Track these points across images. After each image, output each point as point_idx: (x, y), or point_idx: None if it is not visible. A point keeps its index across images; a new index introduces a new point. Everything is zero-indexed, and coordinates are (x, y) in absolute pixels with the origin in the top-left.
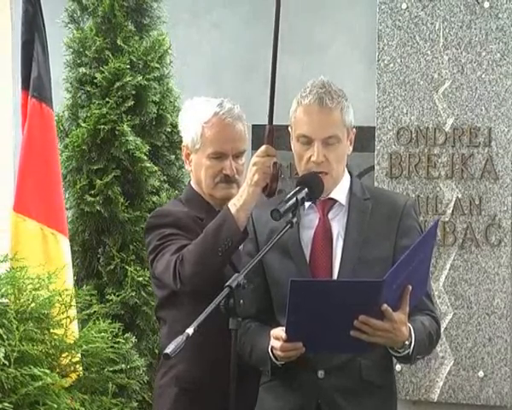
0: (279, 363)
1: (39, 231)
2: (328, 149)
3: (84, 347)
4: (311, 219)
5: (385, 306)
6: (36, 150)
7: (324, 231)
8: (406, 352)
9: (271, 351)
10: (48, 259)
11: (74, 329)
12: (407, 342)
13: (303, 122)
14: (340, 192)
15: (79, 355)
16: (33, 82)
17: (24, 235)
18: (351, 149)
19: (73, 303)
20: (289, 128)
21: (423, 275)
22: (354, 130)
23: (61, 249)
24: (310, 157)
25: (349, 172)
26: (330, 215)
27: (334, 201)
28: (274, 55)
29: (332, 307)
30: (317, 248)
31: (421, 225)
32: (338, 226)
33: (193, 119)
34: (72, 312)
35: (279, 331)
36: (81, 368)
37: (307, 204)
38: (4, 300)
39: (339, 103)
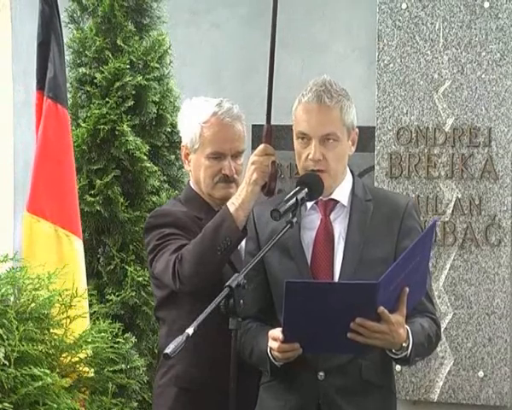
0: (278, 363)
1: (53, 232)
2: (327, 147)
3: (84, 346)
4: (312, 219)
5: (381, 308)
6: (51, 151)
7: (326, 233)
8: (404, 354)
9: (270, 351)
10: (61, 260)
11: (86, 324)
12: (405, 345)
13: (302, 120)
14: (342, 193)
15: (88, 352)
16: (49, 83)
17: (37, 236)
18: (353, 149)
19: (85, 300)
20: (293, 127)
21: (422, 276)
22: (357, 130)
23: (75, 251)
24: (308, 155)
25: (351, 172)
26: (332, 216)
27: (335, 202)
28: (271, 55)
29: (328, 308)
30: (318, 250)
31: (422, 226)
32: (339, 227)
33: (192, 119)
34: (83, 310)
35: (276, 332)
36: (88, 369)
37: (309, 205)
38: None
39: (338, 102)
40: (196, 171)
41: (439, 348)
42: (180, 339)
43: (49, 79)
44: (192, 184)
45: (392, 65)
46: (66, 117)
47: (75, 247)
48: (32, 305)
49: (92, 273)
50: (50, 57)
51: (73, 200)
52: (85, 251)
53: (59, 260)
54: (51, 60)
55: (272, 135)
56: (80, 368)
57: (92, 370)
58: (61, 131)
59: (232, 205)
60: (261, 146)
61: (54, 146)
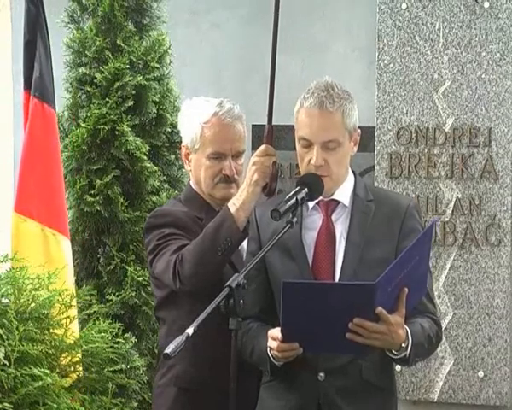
0: (278, 363)
1: (40, 231)
2: (328, 152)
3: (84, 347)
4: (314, 220)
5: (379, 308)
6: (37, 151)
7: (327, 233)
8: (403, 354)
9: (270, 351)
10: (48, 260)
11: (75, 329)
12: (404, 345)
13: (304, 124)
14: (344, 193)
15: (80, 355)
16: (35, 82)
17: (25, 235)
18: (355, 149)
19: (74, 303)
20: (294, 128)
21: (422, 277)
22: (359, 130)
23: (62, 250)
24: (310, 159)
25: (353, 171)
26: (334, 217)
27: (337, 202)
28: (273, 55)
29: (326, 309)
30: (319, 250)
31: (423, 227)
32: (341, 228)
33: (192, 119)
34: (73, 312)
35: (275, 332)
36: (81, 368)
37: (311, 205)
38: (4, 300)
39: (340, 107)
40: (197, 171)
41: (439, 348)
42: (180, 339)
43: (36, 79)
44: (192, 184)
45: (392, 65)
46: (52, 116)
47: (62, 246)
48: (32, 305)
49: (92, 273)
50: (36, 57)
51: (60, 199)
52: (85, 251)
53: (46, 260)
54: (37, 60)
55: (273, 135)
56: (80, 368)
57: (80, 369)
58: (48, 130)
59: (233, 205)
60: (262, 147)
61: (40, 146)
